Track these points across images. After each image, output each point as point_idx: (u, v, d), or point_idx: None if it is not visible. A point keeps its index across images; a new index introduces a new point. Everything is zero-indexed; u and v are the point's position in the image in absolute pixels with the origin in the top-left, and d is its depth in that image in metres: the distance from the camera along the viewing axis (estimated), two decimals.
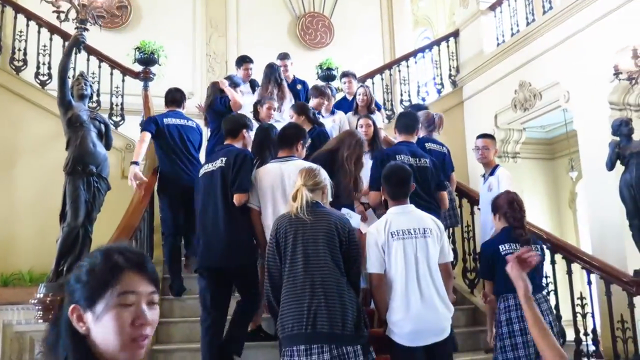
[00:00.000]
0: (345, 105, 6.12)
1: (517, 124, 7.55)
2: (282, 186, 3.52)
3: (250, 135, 4.05)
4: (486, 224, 4.37)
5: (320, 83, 6.31)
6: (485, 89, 7.78)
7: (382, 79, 8.23)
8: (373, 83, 8.03)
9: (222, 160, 3.73)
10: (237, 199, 3.58)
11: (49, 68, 6.84)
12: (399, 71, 8.37)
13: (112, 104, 7.02)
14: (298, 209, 2.91)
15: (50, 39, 6.92)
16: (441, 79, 8.36)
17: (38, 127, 6.55)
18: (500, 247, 3.51)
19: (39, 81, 6.83)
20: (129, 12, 9.28)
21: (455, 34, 8.53)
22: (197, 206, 3.82)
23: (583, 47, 6.10)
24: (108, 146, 4.01)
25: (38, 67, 6.88)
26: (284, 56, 6.55)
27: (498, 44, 7.68)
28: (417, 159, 4.15)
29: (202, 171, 3.88)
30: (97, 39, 8.07)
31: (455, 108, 8.19)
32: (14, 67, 6.86)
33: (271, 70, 5.84)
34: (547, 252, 4.43)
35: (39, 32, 6.92)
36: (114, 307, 1.15)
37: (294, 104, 5.33)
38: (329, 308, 2.73)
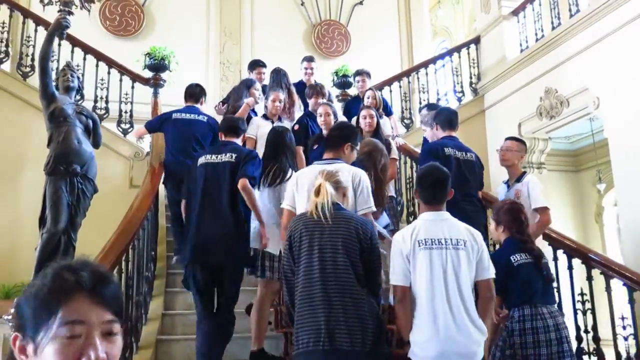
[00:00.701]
0: (357, 105, 5.88)
1: (542, 133, 7.18)
2: None
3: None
4: None
5: (317, 82, 6.05)
6: (508, 96, 7.44)
7: (400, 87, 7.94)
8: (391, 91, 7.74)
9: (231, 156, 3.68)
10: (241, 182, 3.52)
11: (57, 73, 6.66)
12: (418, 79, 8.08)
13: (121, 111, 6.80)
14: (319, 207, 2.65)
15: (59, 45, 6.74)
16: (461, 86, 8.04)
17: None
18: (511, 257, 3.31)
19: None
20: (142, 20, 9.16)
21: (476, 41, 8.22)
22: (195, 194, 3.69)
23: (614, 50, 5.75)
24: (96, 144, 3.66)
25: None
26: (310, 59, 6.62)
27: (522, 50, 7.36)
28: (464, 153, 4.08)
29: (202, 160, 3.76)
30: (109, 47, 7.99)
31: (476, 117, 7.86)
32: (21, 73, 6.68)
33: (278, 75, 5.64)
34: (583, 267, 4.09)
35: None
36: (56, 339, 0.96)
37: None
38: (348, 323, 2.50)
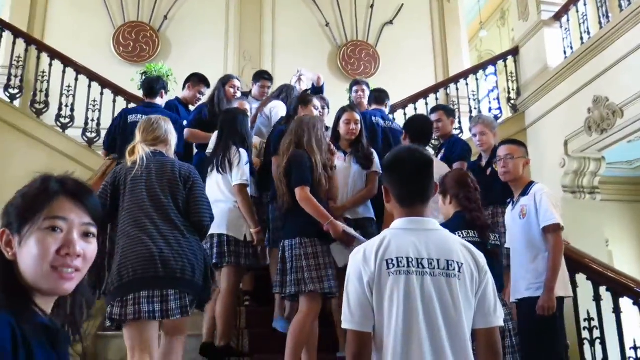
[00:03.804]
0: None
1: (593, 151, 6.09)
2: None
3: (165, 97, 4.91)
4: (519, 267, 3.09)
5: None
6: (551, 111, 6.42)
7: (427, 105, 7.05)
8: (416, 109, 6.89)
9: None
10: None
11: (72, 110, 6.26)
12: (447, 95, 7.20)
13: None
14: (137, 162, 2.84)
15: (50, 65, 6.33)
16: (498, 103, 7.08)
17: (29, 159, 5.85)
18: (456, 234, 2.52)
19: (60, 124, 6.21)
20: (157, 45, 8.76)
21: (514, 52, 7.27)
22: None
23: None
24: None
25: (60, 109, 6.25)
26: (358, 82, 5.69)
27: (566, 57, 6.37)
28: (386, 122, 4.38)
29: (132, 118, 4.54)
30: (121, 73, 7.57)
31: (516, 136, 6.72)
32: (34, 110, 6.26)
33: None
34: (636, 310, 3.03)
35: (64, 71, 6.36)
36: (39, 230, 1.09)
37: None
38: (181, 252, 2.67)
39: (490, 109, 7.06)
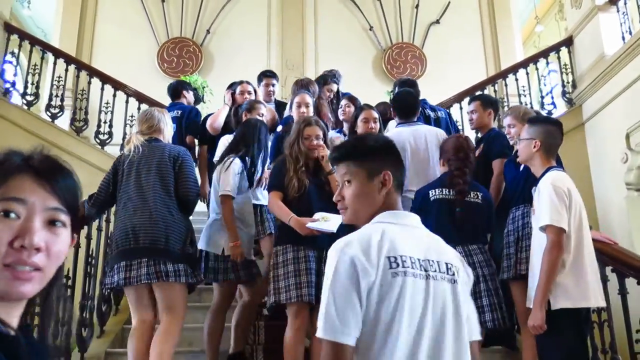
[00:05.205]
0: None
1: None
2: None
3: (190, 94, 5.15)
4: (531, 271, 2.74)
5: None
6: (611, 102, 5.89)
7: None
8: (461, 108, 6.50)
9: (177, 112, 4.71)
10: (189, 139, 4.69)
11: (110, 126, 6.31)
12: (495, 92, 6.77)
13: None
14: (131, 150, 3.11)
15: (89, 83, 6.42)
16: (551, 97, 6.59)
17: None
18: (430, 191, 3.10)
19: (98, 140, 6.27)
20: (199, 60, 8.79)
21: (568, 42, 6.78)
22: None
23: None
24: None
25: (99, 126, 6.31)
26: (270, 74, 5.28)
27: (624, 43, 5.84)
28: (435, 112, 4.28)
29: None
30: (165, 88, 7.59)
31: (573, 132, 6.31)
32: (75, 128, 6.37)
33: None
34: None
35: (102, 88, 6.40)
36: None
37: None
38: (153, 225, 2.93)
39: (542, 105, 6.57)
